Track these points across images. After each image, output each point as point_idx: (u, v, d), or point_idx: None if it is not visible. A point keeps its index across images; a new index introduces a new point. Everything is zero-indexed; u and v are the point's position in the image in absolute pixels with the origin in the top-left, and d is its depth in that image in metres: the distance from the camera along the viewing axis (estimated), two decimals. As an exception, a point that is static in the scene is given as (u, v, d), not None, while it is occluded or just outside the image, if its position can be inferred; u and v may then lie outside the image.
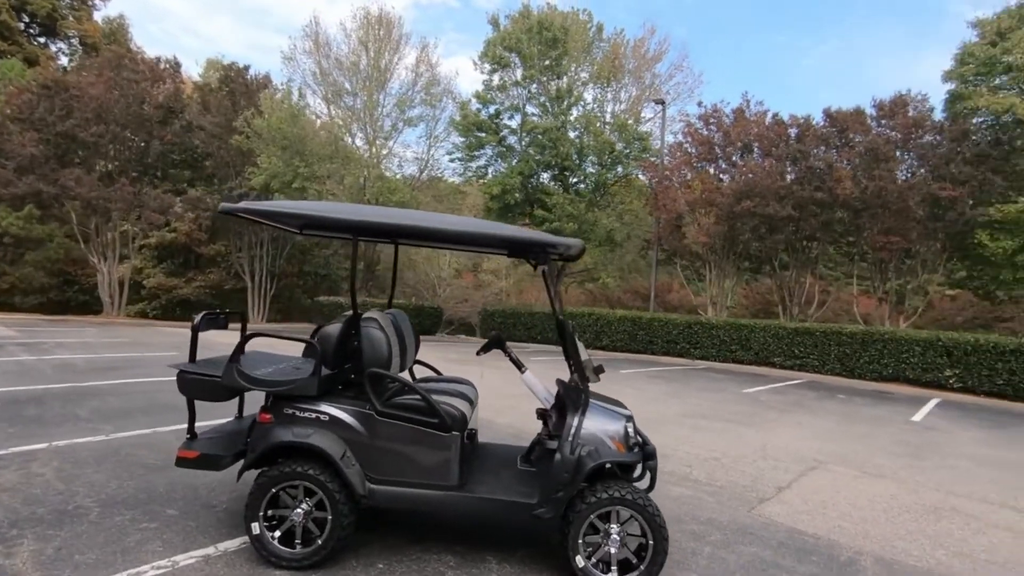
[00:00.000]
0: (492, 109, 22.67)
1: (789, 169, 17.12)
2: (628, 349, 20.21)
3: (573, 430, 3.43)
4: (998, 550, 4.40)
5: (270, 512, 3.31)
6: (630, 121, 22.41)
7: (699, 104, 20.27)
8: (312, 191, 20.34)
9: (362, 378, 3.49)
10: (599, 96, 24.41)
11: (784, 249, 18.03)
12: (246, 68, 24.45)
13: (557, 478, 3.33)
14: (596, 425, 3.47)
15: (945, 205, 14.71)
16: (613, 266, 26.46)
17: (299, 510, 3.30)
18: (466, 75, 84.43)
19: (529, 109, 23.18)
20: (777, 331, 17.20)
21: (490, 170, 24.27)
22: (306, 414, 3.42)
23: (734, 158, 19.09)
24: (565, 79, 23.02)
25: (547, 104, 22.67)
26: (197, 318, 3.74)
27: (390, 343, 3.68)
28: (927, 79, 72.60)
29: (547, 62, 22.25)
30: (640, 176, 23.33)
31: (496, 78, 22.79)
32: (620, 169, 22.91)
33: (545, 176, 23.60)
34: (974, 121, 15.49)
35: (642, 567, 3.23)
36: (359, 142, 23.52)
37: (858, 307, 18.48)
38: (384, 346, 3.59)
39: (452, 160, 24.14)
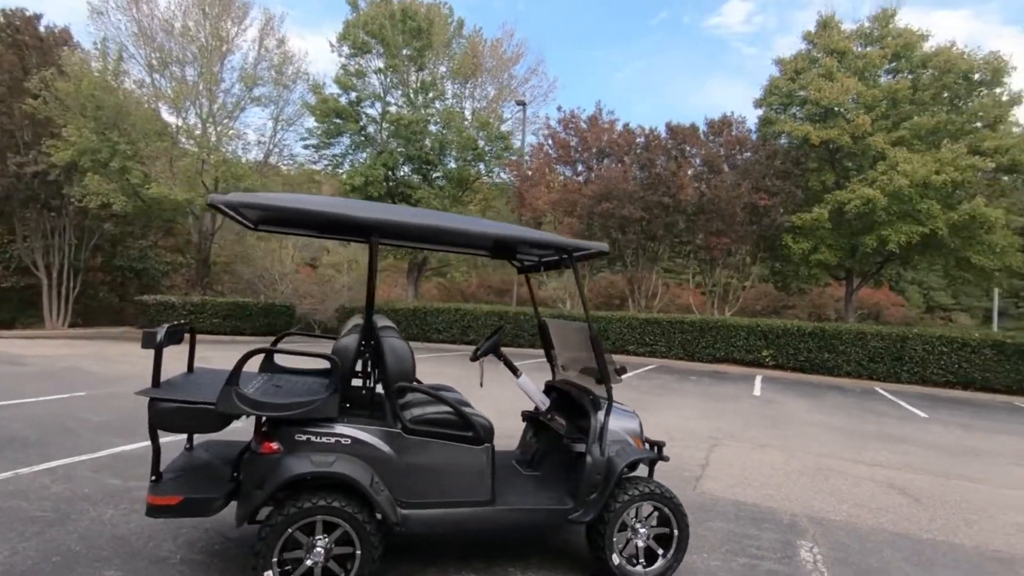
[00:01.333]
0: (353, 96, 21.47)
1: (639, 175, 18.96)
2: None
3: (601, 431, 3.50)
4: (876, 498, 5.47)
5: (284, 556, 2.87)
6: (492, 120, 22.84)
7: (559, 108, 21.44)
8: (136, 172, 17.38)
9: (380, 395, 3.20)
10: (459, 92, 24.50)
11: (634, 247, 19.94)
12: (37, 17, 19.94)
13: (591, 480, 3.39)
14: (618, 424, 3.60)
15: (761, 212, 17.58)
16: (469, 263, 26.88)
17: (319, 549, 2.92)
18: (320, 56, 78.38)
19: (391, 99, 22.42)
20: (631, 322, 18.97)
21: (347, 159, 23.02)
22: (324, 438, 3.02)
23: (592, 163, 20.52)
24: (427, 72, 22.67)
25: (411, 96, 22.13)
26: (160, 332, 3.09)
27: (412, 353, 3.40)
28: (719, 102, 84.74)
29: (410, 52, 21.71)
30: (503, 174, 23.95)
31: (355, 63, 21.62)
32: (483, 166, 23.27)
33: (406, 169, 23.06)
34: (781, 142, 18.71)
35: (669, 555, 3.43)
36: (193, 119, 20.64)
37: (693, 299, 21.21)
38: (409, 357, 3.31)
39: (306, 146, 22.41)
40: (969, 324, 31.50)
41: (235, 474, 3.22)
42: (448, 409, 3.29)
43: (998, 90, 17.15)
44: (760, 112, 20.26)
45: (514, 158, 23.38)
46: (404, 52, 21.61)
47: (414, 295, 24.74)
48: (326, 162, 22.89)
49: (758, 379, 14.88)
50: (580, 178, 21.06)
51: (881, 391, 14.40)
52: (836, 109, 17.45)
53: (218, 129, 20.34)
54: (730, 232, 17.63)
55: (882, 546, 4.29)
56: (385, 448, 3.10)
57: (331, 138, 22.02)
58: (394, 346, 3.29)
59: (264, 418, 3.07)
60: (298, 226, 3.98)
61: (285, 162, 23.48)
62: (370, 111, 22.34)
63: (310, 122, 22.04)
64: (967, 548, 4.40)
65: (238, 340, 18.79)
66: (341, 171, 23.07)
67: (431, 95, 22.02)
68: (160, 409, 2.95)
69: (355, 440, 3.06)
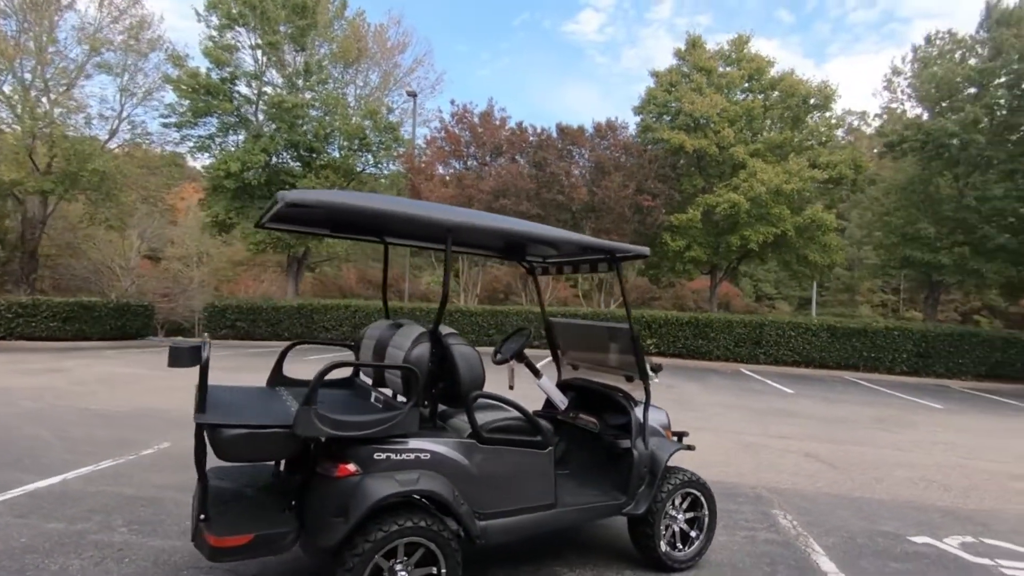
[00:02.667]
0: (226, 72, 19.36)
1: (535, 173, 19.55)
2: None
3: (642, 427, 3.69)
4: (803, 466, 6.35)
5: (367, 586, 2.68)
6: (382, 110, 22.03)
7: (452, 102, 21.28)
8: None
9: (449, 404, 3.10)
10: (341, 78, 23.26)
11: None
12: None
13: (639, 474, 3.57)
14: (654, 418, 3.82)
15: (644, 212, 19.11)
16: (353, 255, 25.76)
17: (402, 574, 2.76)
18: (182, 23, 68.45)
19: (268, 79, 20.63)
20: (527, 316, 19.56)
21: (216, 142, 20.76)
22: (404, 455, 2.85)
23: (486, 158, 20.71)
24: (309, 53, 21.20)
25: (293, 78, 20.55)
26: (204, 347, 2.71)
27: (481, 359, 3.30)
28: (575, 106, 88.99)
29: (289, 30, 20.13)
30: (392, 166, 23.22)
31: (226, 37, 19.52)
32: (371, 157, 22.37)
33: (287, 155, 21.42)
34: (659, 148, 20.42)
35: (702, 535, 3.74)
36: (7, 88, 17.12)
37: (581, 294, 22.42)
38: (480, 363, 3.22)
39: (165, 125, 19.78)
40: (788, 310, 36.92)
41: (292, 503, 2.91)
42: (517, 414, 3.27)
43: (827, 113, 20.48)
44: (639, 119, 21.99)
45: (403, 150, 22.79)
46: (283, 29, 19.99)
47: (295, 292, 23.12)
48: (191, 143, 20.44)
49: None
50: (476, 172, 21.14)
51: (746, 372, 16.49)
52: (704, 121, 19.53)
53: (52, 98, 17.20)
54: (618, 230, 18.94)
55: (833, 507, 5.03)
56: (462, 460, 3.01)
57: (198, 117, 19.70)
58: (465, 353, 3.18)
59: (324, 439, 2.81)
60: (352, 228, 3.77)
61: (138, 140, 20.52)
62: (244, 90, 20.36)
63: (170, 96, 19.52)
64: (888, 501, 5.32)
65: (83, 347, 16.18)
66: (208, 154, 20.78)
67: (315, 78, 20.64)
68: (227, 437, 2.58)
69: (434, 454, 2.93)
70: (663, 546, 3.58)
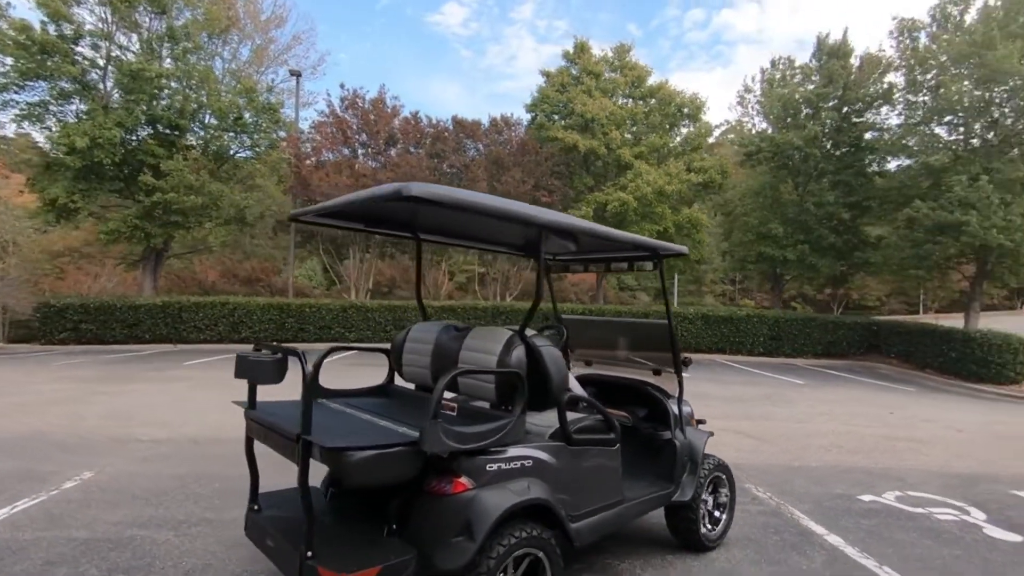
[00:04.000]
0: (68, 29, 16.28)
1: (433, 164, 19.20)
2: (276, 339, 18.56)
3: (679, 417, 3.89)
4: (742, 443, 7.08)
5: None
6: (260, 88, 20.14)
7: (342, 86, 20.10)
8: None
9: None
10: (208, 48, 20.83)
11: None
12: None
13: (682, 463, 3.77)
14: (684, 409, 4.04)
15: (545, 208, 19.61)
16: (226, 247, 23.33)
17: (516, 587, 2.68)
18: None
19: (124, 43, 17.82)
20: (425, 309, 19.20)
21: (50, 111, 17.48)
22: (511, 464, 2.75)
23: (380, 147, 19.90)
24: (170, 16, 18.66)
25: (152, 43, 17.95)
26: (312, 361, 2.40)
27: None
28: (439, 98, 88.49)
29: (147, -13, 17.53)
30: (273, 151, 21.30)
31: (67, -14, 16.45)
32: (247, 138, 20.36)
33: (144, 133, 18.71)
34: (556, 147, 21.11)
35: (726, 514, 4.05)
36: None
37: (479, 286, 22.50)
38: (564, 363, 3.16)
39: (-22, 85, 16.16)
40: (647, 300, 40.42)
41: (392, 526, 2.65)
42: (596, 414, 3.28)
43: (698, 123, 22.69)
44: (530, 116, 22.52)
45: (284, 134, 21.06)
46: (139, -14, 17.35)
47: (152, 288, 20.35)
48: (15, 111, 16.97)
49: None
50: (370, 163, 20.21)
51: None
52: (594, 123, 20.61)
53: None
54: (517, 225, 19.31)
55: (788, 477, 5.71)
56: (555, 463, 2.97)
57: (25, 80, 16.42)
58: (553, 354, 3.11)
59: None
60: (391, 224, 3.49)
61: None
62: (90, 53, 17.34)
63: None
64: (821, 467, 6.15)
65: None
66: (39, 125, 17.45)
67: (181, 47, 18.24)
68: (358, 461, 2.30)
69: (535, 460, 2.86)
70: (703, 528, 3.83)
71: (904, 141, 20.04)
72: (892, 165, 20.80)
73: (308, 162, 19.14)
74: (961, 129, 18.74)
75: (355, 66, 69.59)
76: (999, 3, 17.89)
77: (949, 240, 16.67)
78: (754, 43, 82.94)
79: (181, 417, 7.30)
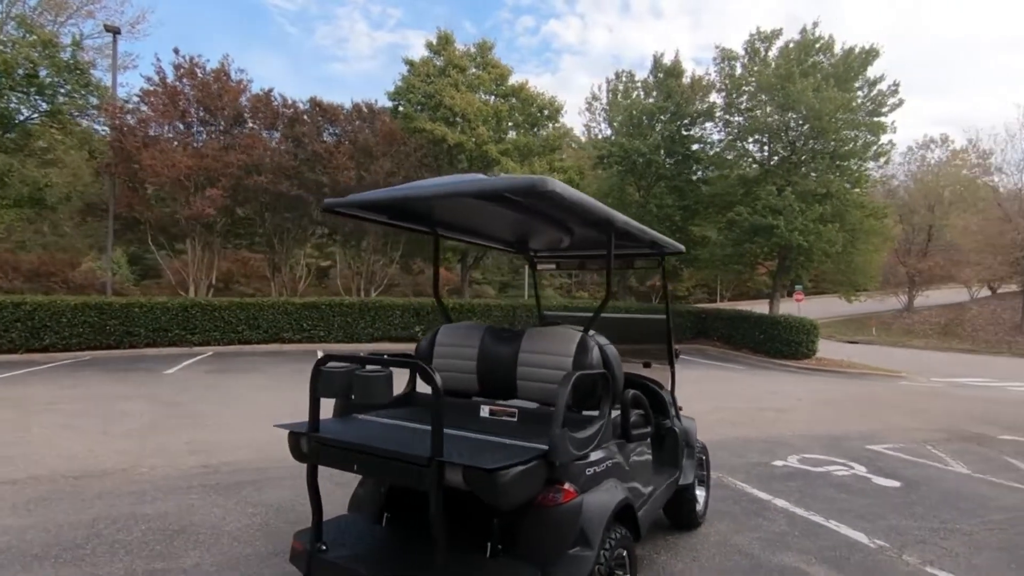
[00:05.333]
0: None
1: (294, 150, 17.58)
2: (92, 346, 15.54)
3: (673, 405, 4.16)
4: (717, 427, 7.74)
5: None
6: (64, 43, 16.61)
7: (176, 52, 17.44)
8: None
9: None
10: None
11: (291, 227, 18.39)
12: None
13: (682, 447, 4.04)
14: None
15: (412, 201, 19.08)
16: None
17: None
18: None
19: None
20: (286, 307, 17.61)
21: None
22: (599, 466, 2.74)
23: (222, 125, 17.69)
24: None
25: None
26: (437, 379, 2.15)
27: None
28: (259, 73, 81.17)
29: None
30: (83, 120, 17.68)
31: None
32: (44, 104, 16.68)
33: None
34: (425, 139, 20.56)
35: (705, 492, 4.44)
36: None
37: (340, 281, 21.13)
38: (620, 361, 3.17)
39: None
40: (492, 293, 41.93)
41: (497, 546, 2.47)
42: (641, 411, 3.36)
43: (557, 124, 23.91)
44: (393, 104, 21.73)
45: (95, 100, 17.64)
46: None
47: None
48: None
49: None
50: (216, 141, 17.79)
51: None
52: (462, 117, 20.58)
53: None
54: (385, 217, 18.52)
55: (743, 449, 6.40)
56: (622, 460, 3.02)
57: None
58: (615, 353, 3.12)
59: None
60: (412, 217, 3.17)
61: None
62: None
63: None
64: (731, 440, 6.99)
65: None
66: None
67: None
68: (510, 479, 2.09)
69: (612, 460, 2.88)
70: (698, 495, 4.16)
71: (725, 155, 23.35)
72: (715, 174, 24.05)
73: (134, 137, 16.21)
74: (767, 147, 22.34)
75: (167, 30, 60.64)
76: (792, 46, 21.66)
77: (763, 240, 19.84)
78: (578, 54, 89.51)
79: (26, 450, 5.83)
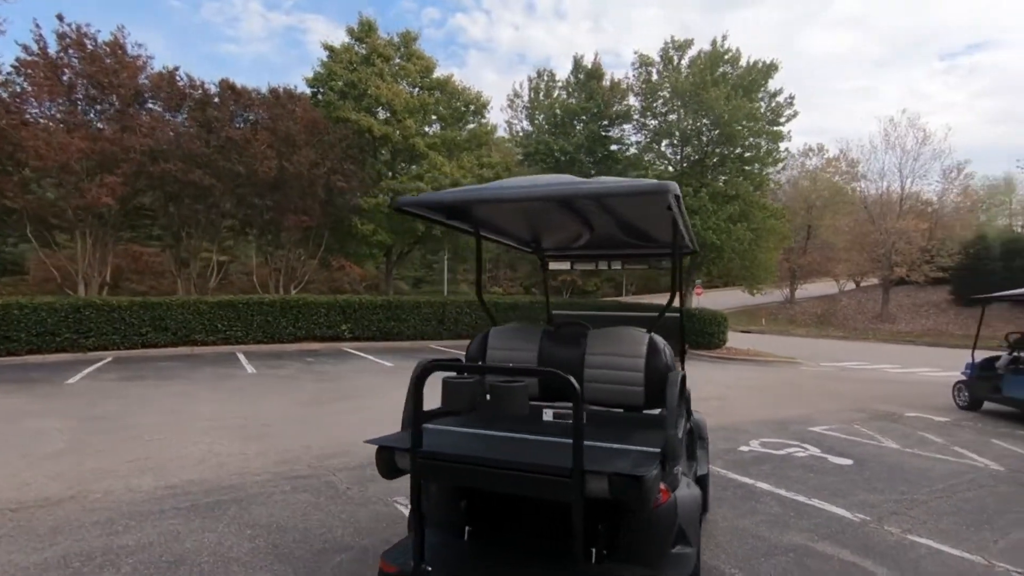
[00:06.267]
0: None
1: (203, 135, 16.12)
2: (-41, 354, 13.40)
3: (688, 400, 4.33)
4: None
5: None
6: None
7: (60, 18, 15.37)
8: None
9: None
10: None
11: (201, 219, 16.79)
12: None
13: (695, 439, 4.21)
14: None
15: (337, 193, 18.22)
16: None
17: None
18: None
19: None
20: (197, 306, 16.19)
21: None
22: (678, 466, 2.80)
23: (132, 108, 15.88)
24: None
25: None
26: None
27: None
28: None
29: None
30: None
31: None
32: None
33: None
34: (350, 129, 19.58)
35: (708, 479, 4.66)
36: None
37: (256, 278, 19.67)
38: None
39: None
40: (406, 288, 41.27)
41: (602, 551, 2.45)
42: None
43: (483, 120, 23.79)
44: (312, 91, 20.56)
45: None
46: None
47: None
48: None
49: (366, 352, 15.96)
50: (101, 124, 15.90)
51: (435, 346, 18.21)
52: (388, 108, 19.93)
53: None
54: (307, 211, 17.50)
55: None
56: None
57: None
58: (672, 353, 3.19)
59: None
60: (461, 217, 3.10)
61: None
62: None
63: None
64: (724, 427, 7.33)
65: None
66: None
67: None
68: (652, 486, 2.07)
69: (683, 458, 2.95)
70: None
71: (643, 156, 24.48)
72: (634, 175, 25.13)
73: (8, 114, 14.05)
74: (681, 151, 23.71)
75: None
76: (703, 56, 23.12)
77: (680, 238, 21.05)
78: (484, 50, 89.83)
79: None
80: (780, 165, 24.23)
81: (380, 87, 19.49)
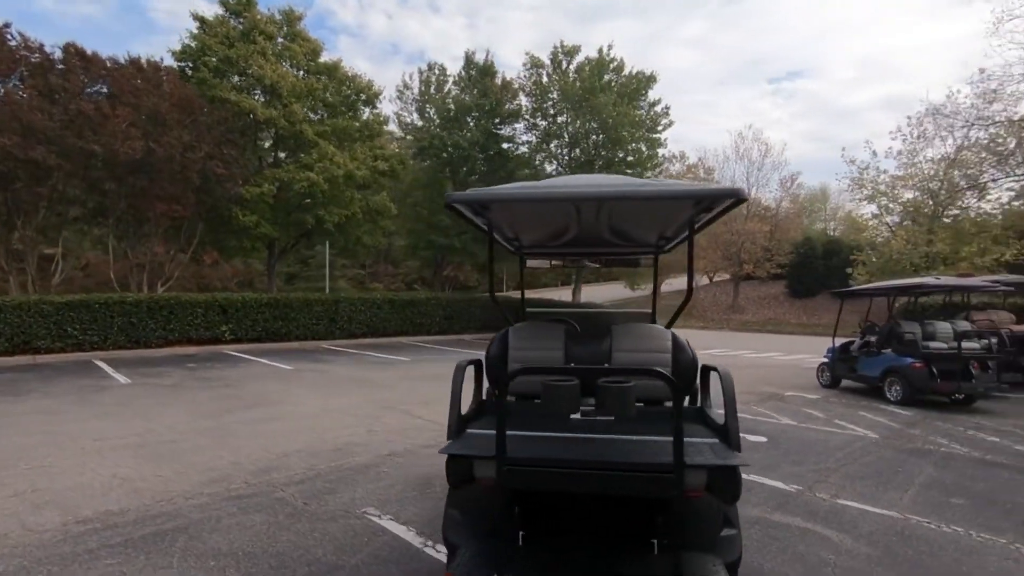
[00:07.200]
0: None
1: (46, 106, 13.63)
2: None
3: None
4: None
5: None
6: None
7: None
8: None
9: None
10: None
11: (45, 205, 14.11)
12: None
13: None
14: None
15: (215, 180, 16.36)
16: None
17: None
18: None
19: None
20: (40, 308, 13.79)
21: None
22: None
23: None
24: None
25: None
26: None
27: None
28: None
29: None
30: None
31: None
32: None
33: None
34: (229, 111, 17.58)
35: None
36: None
37: (114, 274, 17.05)
38: None
39: None
40: (281, 285, 38.74)
41: (663, 542, 2.52)
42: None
43: (376, 111, 22.78)
44: (180, 66, 18.26)
45: None
46: None
47: None
48: None
49: (267, 355, 14.67)
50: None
51: (331, 347, 17.30)
52: (273, 90, 18.33)
53: None
54: (180, 199, 15.54)
55: None
56: None
57: None
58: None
59: None
60: None
61: None
62: None
63: None
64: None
65: None
66: None
67: None
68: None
69: None
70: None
71: (534, 156, 25.16)
72: (526, 173, 25.74)
73: None
74: (574, 151, 24.72)
75: None
76: (587, 62, 24.28)
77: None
78: (356, 37, 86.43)
79: None
80: (658, 170, 26.21)
81: (264, 67, 17.91)
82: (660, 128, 24.64)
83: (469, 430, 2.83)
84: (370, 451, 6.10)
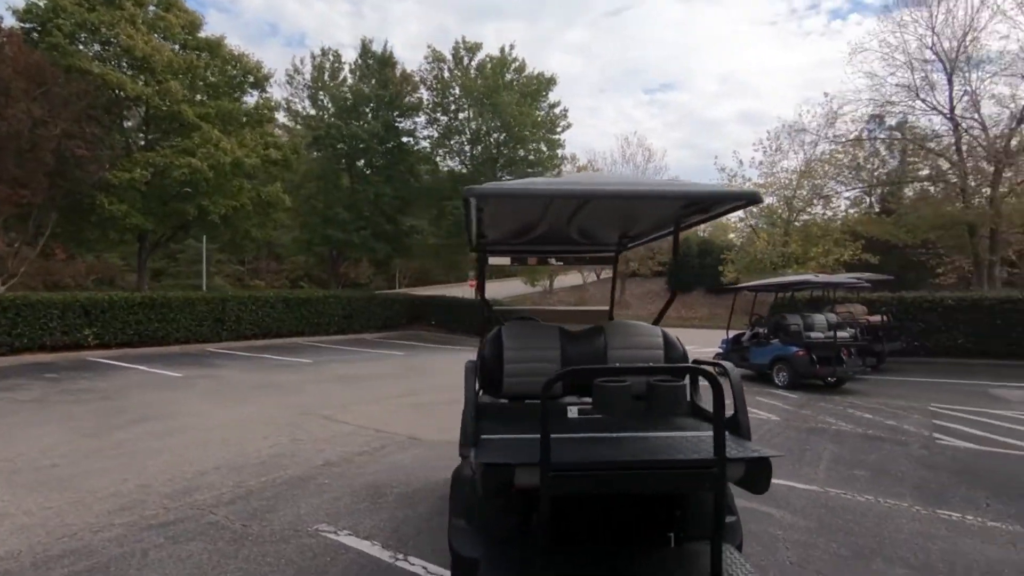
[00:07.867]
0: None
1: None
2: None
3: None
4: (426, 418, 8.13)
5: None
6: None
7: None
8: None
9: None
10: None
11: None
12: None
13: None
14: None
15: (75, 163, 14.13)
16: None
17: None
18: None
19: None
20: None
21: None
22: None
23: None
24: None
25: None
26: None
27: None
28: None
29: None
30: None
31: None
32: None
33: None
34: (90, 84, 15.15)
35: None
36: None
37: (-63, 270, 14.11)
38: None
39: None
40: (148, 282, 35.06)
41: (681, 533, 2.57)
42: None
43: (265, 94, 20.97)
44: (27, 28, 15.54)
45: None
46: None
47: None
48: None
49: (144, 363, 13.00)
50: None
51: (213, 349, 15.91)
52: (142, 65, 16.23)
53: None
54: (31, 183, 13.23)
55: None
56: None
57: None
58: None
59: None
60: None
61: None
62: None
63: None
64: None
65: None
66: None
67: None
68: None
69: None
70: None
71: (435, 152, 24.78)
72: (426, 168, 25.29)
73: None
74: (476, 148, 24.67)
75: None
76: (488, 60, 24.40)
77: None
78: (227, 12, 79.76)
79: None
80: (556, 170, 26.98)
81: (134, 36, 15.82)
82: (559, 129, 25.40)
83: (488, 436, 2.70)
84: (301, 462, 5.65)
